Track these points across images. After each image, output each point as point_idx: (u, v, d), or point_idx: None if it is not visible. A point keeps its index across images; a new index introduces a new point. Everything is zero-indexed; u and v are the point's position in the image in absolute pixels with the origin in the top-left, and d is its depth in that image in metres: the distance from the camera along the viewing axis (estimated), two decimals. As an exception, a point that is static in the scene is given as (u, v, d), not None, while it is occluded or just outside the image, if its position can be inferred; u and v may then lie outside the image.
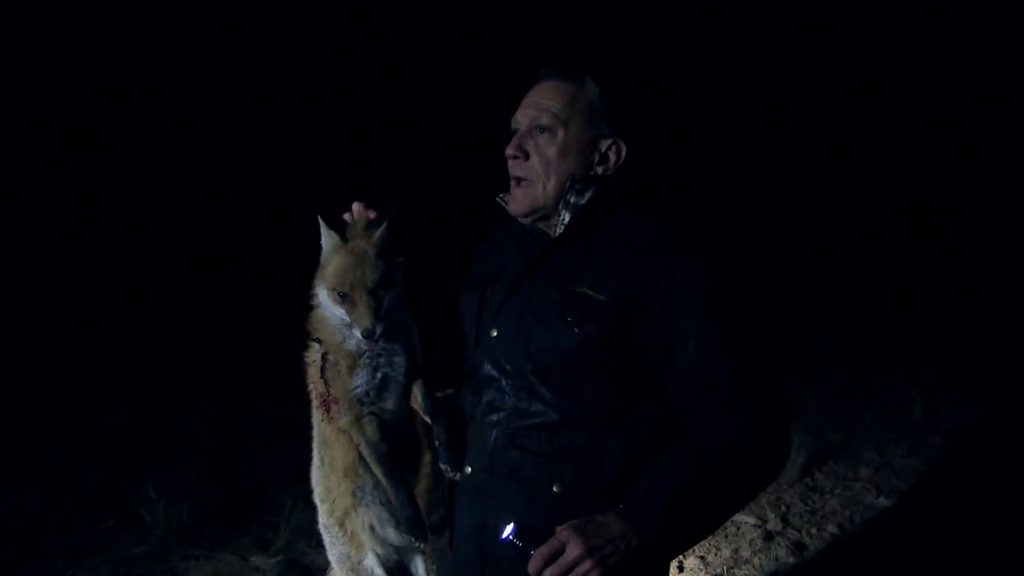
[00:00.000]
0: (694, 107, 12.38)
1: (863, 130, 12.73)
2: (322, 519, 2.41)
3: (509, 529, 1.95)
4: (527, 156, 2.18)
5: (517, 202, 2.21)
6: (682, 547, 2.06)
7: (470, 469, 2.22)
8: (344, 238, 2.15)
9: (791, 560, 4.50)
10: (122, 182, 10.98)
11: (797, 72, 12.83)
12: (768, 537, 4.70)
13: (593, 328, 2.05)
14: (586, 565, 1.84)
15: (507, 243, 2.35)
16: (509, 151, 2.19)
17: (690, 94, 12.49)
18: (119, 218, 10.74)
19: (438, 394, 2.32)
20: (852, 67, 13.01)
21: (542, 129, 2.16)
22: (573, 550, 1.84)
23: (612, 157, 2.18)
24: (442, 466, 2.24)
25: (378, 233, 2.14)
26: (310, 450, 2.43)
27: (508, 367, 2.15)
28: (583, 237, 2.14)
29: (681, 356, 2.03)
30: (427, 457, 2.34)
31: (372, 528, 2.32)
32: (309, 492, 2.51)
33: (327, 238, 2.16)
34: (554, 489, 2.07)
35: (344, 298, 2.11)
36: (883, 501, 5.12)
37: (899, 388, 6.68)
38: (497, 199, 2.35)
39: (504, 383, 2.15)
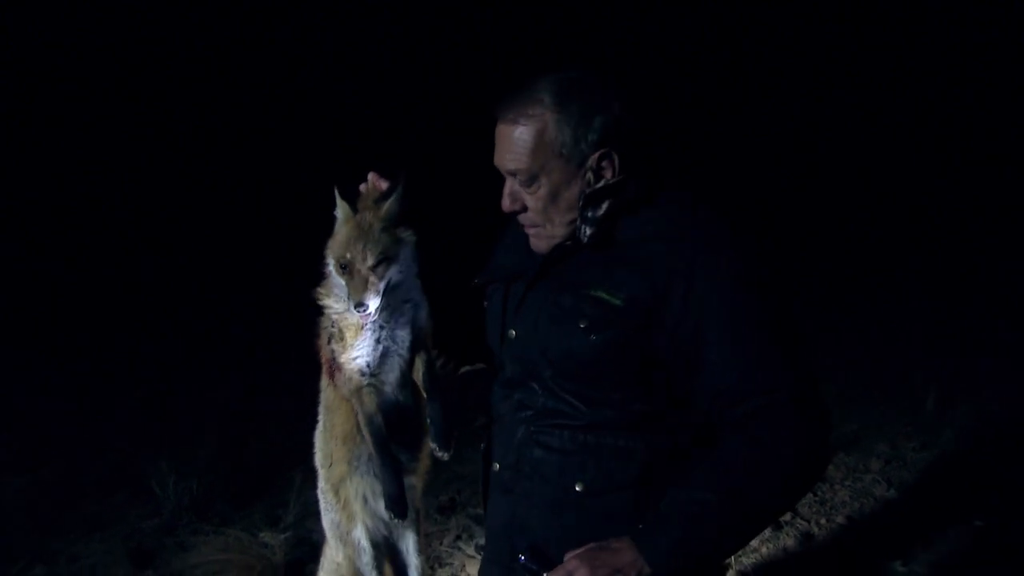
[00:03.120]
0: (705, 92, 12.32)
1: (870, 118, 12.62)
2: (320, 484, 2.46)
3: (525, 553, 2.00)
4: (524, 207, 2.10)
5: (538, 243, 2.14)
6: (703, 572, 2.02)
7: (497, 466, 2.21)
8: (355, 209, 2.15)
9: (799, 550, 4.48)
10: (141, 175, 11.16)
11: (815, 52, 12.70)
12: (776, 527, 4.66)
13: (609, 335, 1.97)
14: None
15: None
16: (505, 206, 2.11)
17: (704, 79, 12.45)
18: (134, 207, 10.92)
19: (467, 368, 2.34)
20: (872, 49, 12.88)
21: (523, 182, 2.05)
22: None
23: (608, 168, 2.03)
24: (432, 444, 2.23)
25: (386, 206, 2.13)
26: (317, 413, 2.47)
27: (531, 369, 2.11)
28: (601, 242, 2.05)
29: (704, 365, 1.94)
30: (429, 438, 2.31)
31: (365, 499, 2.35)
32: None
33: (339, 208, 2.16)
34: (577, 488, 2.03)
35: (344, 269, 2.11)
36: (893, 494, 5.06)
37: (913, 381, 6.55)
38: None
39: (532, 383, 2.12)
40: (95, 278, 9.56)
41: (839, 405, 6.07)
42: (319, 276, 2.26)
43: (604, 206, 2.03)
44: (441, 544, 4.68)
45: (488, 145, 2.10)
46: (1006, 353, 7.03)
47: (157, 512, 4.88)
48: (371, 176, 2.22)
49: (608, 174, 2.03)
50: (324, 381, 2.36)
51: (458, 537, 4.75)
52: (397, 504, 2.22)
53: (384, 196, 2.16)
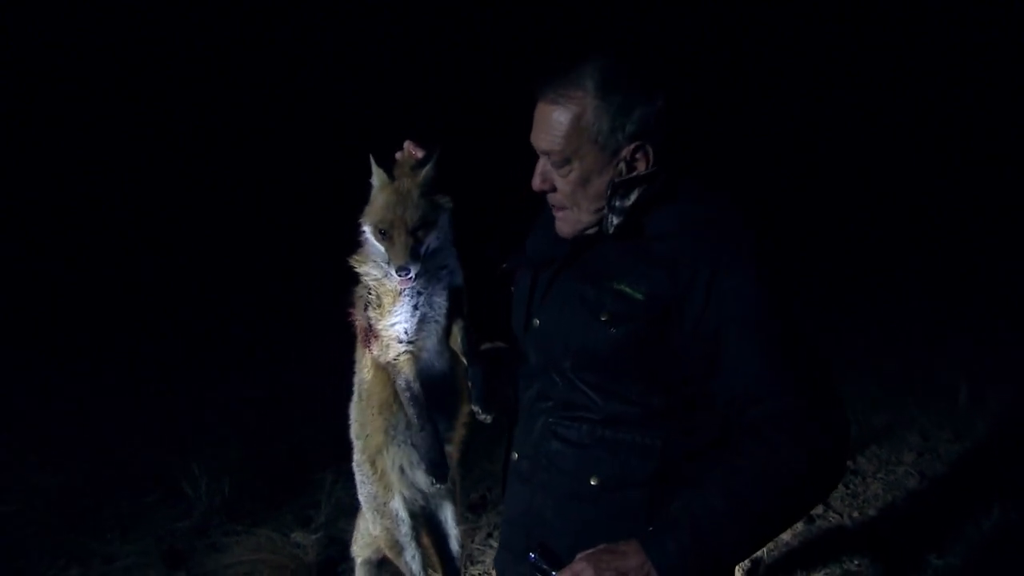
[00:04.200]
0: (705, 92, 12.32)
1: (870, 118, 12.67)
2: (356, 456, 2.48)
3: (535, 551, 2.02)
4: (553, 188, 2.08)
5: (563, 226, 2.12)
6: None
7: (516, 455, 2.21)
8: (392, 176, 2.18)
9: (832, 543, 4.47)
10: (169, 171, 11.15)
11: (815, 52, 12.74)
12: (809, 520, 4.68)
13: (628, 329, 1.96)
14: None
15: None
16: (535, 184, 2.10)
17: (704, 79, 12.45)
18: (134, 207, 10.90)
19: (486, 345, 2.33)
20: (872, 49, 12.92)
21: (555, 163, 2.03)
22: None
23: (641, 160, 2.00)
24: (473, 407, 2.24)
25: (423, 172, 2.17)
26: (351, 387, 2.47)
27: (552, 359, 2.10)
28: (628, 233, 2.02)
29: (722, 366, 1.92)
30: (465, 408, 2.34)
31: (402, 469, 2.38)
32: (350, 471, 2.53)
33: (376, 176, 2.20)
34: (592, 482, 2.02)
35: (384, 235, 2.13)
36: (926, 486, 5.07)
37: (945, 372, 6.59)
38: None
39: (552, 373, 2.10)
40: (95, 278, 9.48)
41: (870, 397, 6.11)
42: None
43: (632, 196, 2.01)
44: (472, 542, 4.66)
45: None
46: (1006, 352, 7.07)
47: (188, 513, 4.87)
48: (407, 144, 2.24)
49: (641, 166, 2.00)
50: (359, 351, 2.37)
51: (489, 535, 4.74)
52: (438, 467, 2.24)
53: (421, 163, 2.19)
